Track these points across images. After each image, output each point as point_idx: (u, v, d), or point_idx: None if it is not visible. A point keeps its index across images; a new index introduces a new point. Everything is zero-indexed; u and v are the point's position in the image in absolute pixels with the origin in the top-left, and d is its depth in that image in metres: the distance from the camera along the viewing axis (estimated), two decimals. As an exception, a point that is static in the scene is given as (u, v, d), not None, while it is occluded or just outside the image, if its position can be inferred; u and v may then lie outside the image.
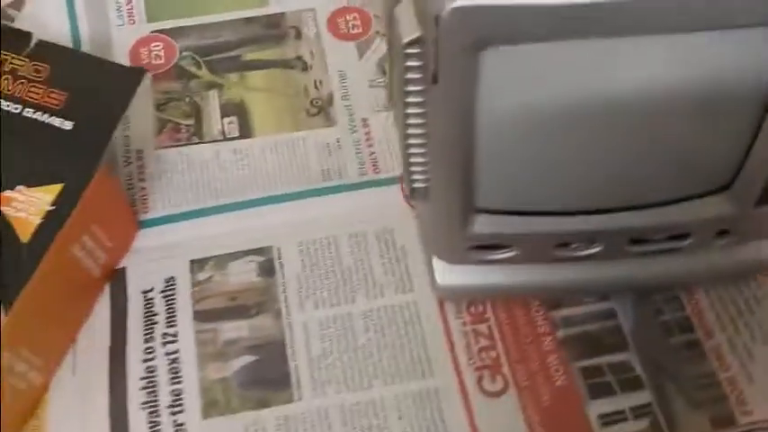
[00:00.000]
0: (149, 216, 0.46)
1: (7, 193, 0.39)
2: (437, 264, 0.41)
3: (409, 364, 0.41)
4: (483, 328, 0.43)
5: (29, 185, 0.39)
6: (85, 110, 0.41)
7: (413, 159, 0.34)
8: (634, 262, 0.39)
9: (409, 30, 0.29)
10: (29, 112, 0.41)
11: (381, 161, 0.48)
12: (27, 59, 0.42)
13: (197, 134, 0.49)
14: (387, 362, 0.41)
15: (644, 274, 0.40)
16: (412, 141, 0.33)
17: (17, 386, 0.38)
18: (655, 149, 0.33)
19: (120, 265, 0.44)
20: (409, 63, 0.30)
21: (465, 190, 0.34)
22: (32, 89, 0.41)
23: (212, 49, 0.53)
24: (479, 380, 0.41)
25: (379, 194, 0.47)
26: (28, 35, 0.43)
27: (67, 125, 0.40)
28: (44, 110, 0.41)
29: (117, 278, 0.44)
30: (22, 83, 0.42)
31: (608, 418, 0.40)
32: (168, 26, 0.53)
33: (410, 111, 0.32)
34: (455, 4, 0.26)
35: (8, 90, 0.41)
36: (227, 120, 0.50)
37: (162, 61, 0.52)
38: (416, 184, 0.36)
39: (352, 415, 0.40)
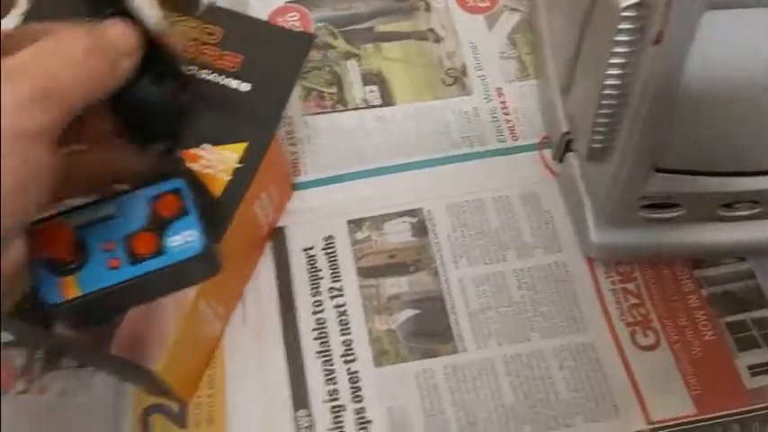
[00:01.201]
0: (301, 179, 0.48)
1: (193, 151, 0.40)
2: (593, 225, 0.43)
3: (563, 319, 0.44)
4: (631, 286, 0.45)
5: (214, 144, 0.41)
6: (261, 72, 0.42)
7: (601, 120, 0.36)
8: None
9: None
10: (205, 74, 0.43)
11: (518, 129, 0.50)
12: (198, 22, 0.44)
13: (341, 102, 0.51)
14: (542, 317, 0.44)
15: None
16: (606, 102, 0.35)
17: (205, 333, 0.41)
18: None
19: (279, 224, 0.46)
20: (623, 26, 0.32)
21: (651, 150, 0.36)
22: (206, 51, 0.43)
23: (346, 21, 0.55)
24: (632, 335, 0.43)
25: (518, 160, 0.49)
26: (198, -2, 0.45)
27: (245, 87, 0.42)
28: (220, 71, 0.42)
29: (277, 236, 0.46)
30: (194, 45, 0.43)
31: (757, 369, 0.42)
32: (301, -3, 0.55)
33: (612, 72, 0.33)
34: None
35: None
36: (368, 88, 0.52)
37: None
38: (597, 144, 0.38)
39: (515, 364, 0.42)
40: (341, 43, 0.53)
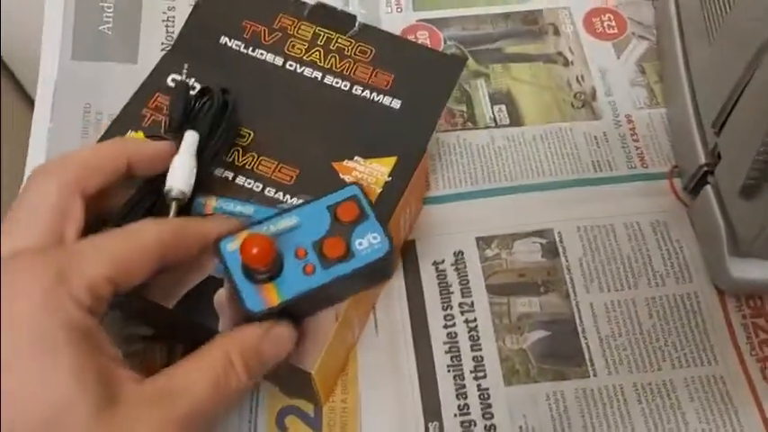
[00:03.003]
0: (431, 194, 0.49)
1: (346, 162, 0.42)
2: (730, 258, 0.43)
3: (694, 350, 0.44)
4: (761, 321, 0.45)
5: (364, 157, 0.42)
6: (411, 91, 0.44)
7: (761, 157, 0.36)
8: None
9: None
10: (358, 90, 0.44)
11: (648, 156, 0.50)
12: (352, 40, 0.45)
13: (470, 120, 0.52)
14: (672, 347, 0.44)
15: None
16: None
17: (347, 339, 0.42)
18: None
19: (409, 238, 0.47)
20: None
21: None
22: (360, 69, 0.44)
23: (475, 40, 0.55)
24: (762, 370, 0.43)
25: (648, 188, 0.49)
26: (353, 17, 0.46)
27: (396, 104, 0.43)
28: (372, 89, 0.44)
29: (407, 249, 0.47)
30: (348, 62, 0.45)
31: None
32: (432, 16, 0.56)
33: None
34: None
35: (336, 67, 0.45)
36: (496, 107, 0.52)
37: (431, 48, 0.54)
38: (752, 181, 0.38)
39: (645, 394, 0.42)
40: (470, 62, 0.54)
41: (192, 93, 0.41)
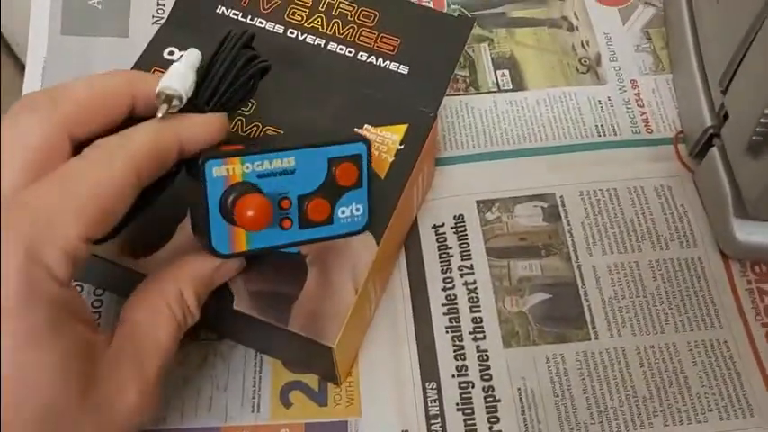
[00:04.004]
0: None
1: (356, 131, 0.40)
2: (736, 222, 0.42)
3: (698, 314, 0.43)
4: (767, 287, 0.44)
5: (374, 125, 0.41)
6: (419, 56, 0.42)
7: (769, 110, 0.35)
8: None
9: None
10: (362, 56, 0.43)
11: (652, 121, 0.49)
12: (355, 5, 0.44)
13: (473, 84, 0.51)
14: (676, 310, 0.43)
15: None
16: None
17: (365, 315, 0.41)
18: None
19: (409, 200, 0.47)
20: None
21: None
22: (363, 34, 0.43)
23: (479, 5, 0.55)
24: (767, 335, 0.42)
25: (653, 153, 0.48)
26: (352, -20, 0.45)
27: (403, 69, 0.42)
28: (378, 54, 0.43)
29: (407, 212, 0.46)
30: (352, 27, 0.43)
31: None
32: (436, -21, 0.56)
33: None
34: None
35: (339, 33, 0.43)
36: (499, 72, 0.52)
37: (434, 13, 0.54)
38: (758, 137, 0.37)
39: (648, 356, 0.41)
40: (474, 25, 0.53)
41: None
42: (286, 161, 0.32)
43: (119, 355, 0.30)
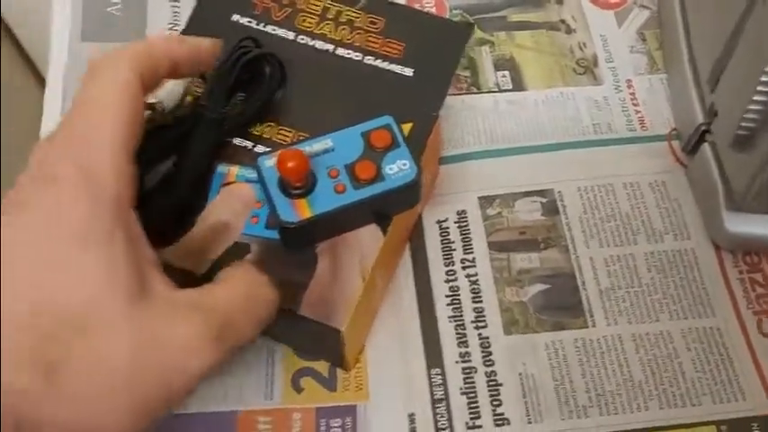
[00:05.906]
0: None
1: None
2: (727, 214, 0.44)
3: (691, 303, 0.45)
4: (758, 276, 0.46)
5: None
6: (423, 59, 0.45)
7: (755, 107, 0.37)
8: None
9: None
10: (369, 60, 0.45)
11: (648, 119, 0.51)
12: (362, 12, 0.46)
13: (474, 85, 0.53)
14: (670, 300, 0.45)
15: None
16: (763, 89, 0.36)
17: (371, 306, 0.43)
18: None
19: (414, 197, 0.49)
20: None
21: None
22: (370, 39, 0.45)
23: (480, 9, 0.57)
24: (759, 323, 0.44)
25: (647, 149, 0.50)
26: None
27: (408, 72, 0.44)
28: (384, 58, 0.45)
29: (412, 207, 0.48)
30: (359, 33, 0.46)
31: None
32: (437, -15, 0.58)
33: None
34: None
35: (348, 39, 0.46)
36: (500, 73, 0.54)
37: (436, 17, 0.56)
38: (743, 132, 0.39)
39: (643, 343, 0.43)
40: (475, 30, 0.55)
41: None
42: (324, 143, 0.38)
43: (180, 297, 0.30)
